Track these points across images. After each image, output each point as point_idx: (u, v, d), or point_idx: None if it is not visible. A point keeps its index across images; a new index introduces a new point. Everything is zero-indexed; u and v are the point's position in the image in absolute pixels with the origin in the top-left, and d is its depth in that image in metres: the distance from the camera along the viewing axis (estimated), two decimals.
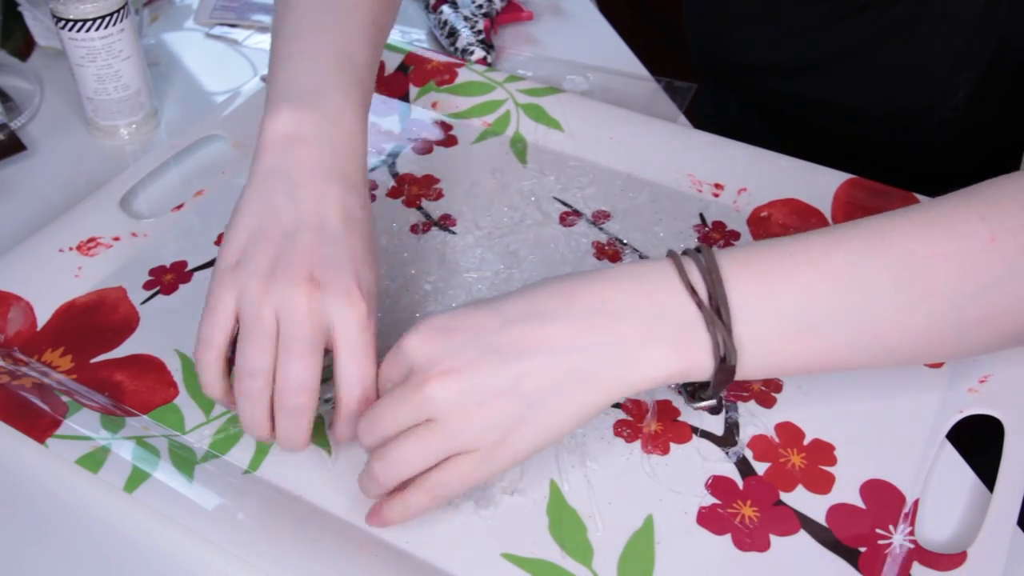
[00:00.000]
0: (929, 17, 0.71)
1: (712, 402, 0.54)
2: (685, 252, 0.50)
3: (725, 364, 0.48)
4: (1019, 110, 0.59)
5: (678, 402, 0.59)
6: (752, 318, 0.48)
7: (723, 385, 0.49)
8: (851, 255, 0.49)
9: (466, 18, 0.92)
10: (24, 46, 0.93)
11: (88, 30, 0.76)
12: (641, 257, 0.68)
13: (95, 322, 0.64)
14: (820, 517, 0.53)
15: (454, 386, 0.47)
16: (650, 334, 0.47)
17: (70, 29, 0.76)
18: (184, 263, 0.68)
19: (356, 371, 0.51)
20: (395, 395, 0.48)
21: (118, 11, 0.76)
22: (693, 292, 0.48)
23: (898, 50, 0.74)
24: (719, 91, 0.95)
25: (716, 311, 0.47)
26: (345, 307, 0.51)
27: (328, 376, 0.53)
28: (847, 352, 0.50)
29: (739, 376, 0.49)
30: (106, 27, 0.76)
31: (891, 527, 0.52)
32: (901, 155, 0.75)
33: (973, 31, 0.71)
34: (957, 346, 0.51)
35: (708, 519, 0.53)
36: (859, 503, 0.54)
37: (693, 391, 0.54)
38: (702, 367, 0.48)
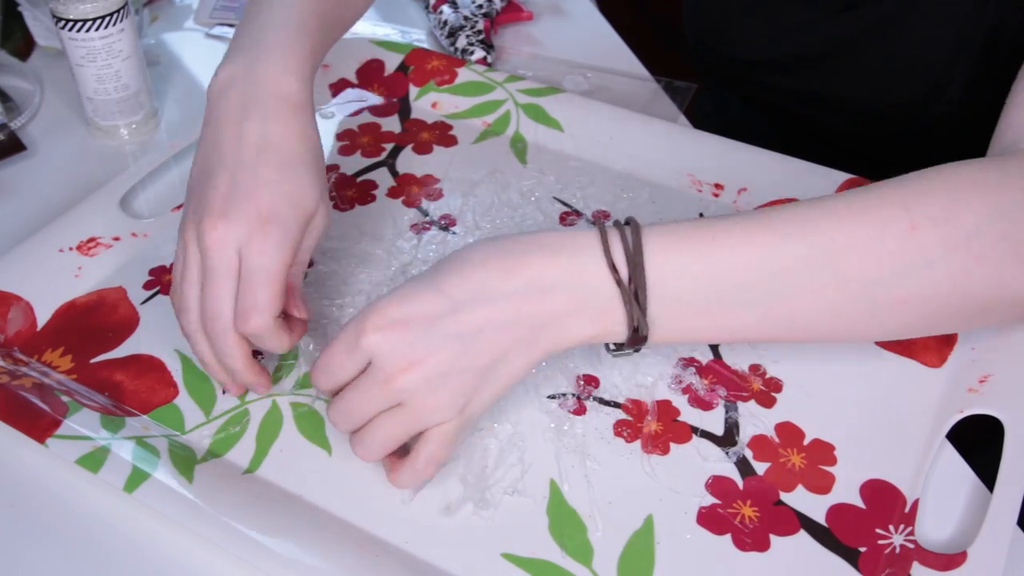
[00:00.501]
0: (920, 10, 0.72)
1: (630, 352, 0.56)
2: (615, 223, 0.53)
3: (638, 333, 0.52)
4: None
5: (678, 402, 0.59)
6: (666, 295, 0.51)
7: (636, 347, 0.53)
8: (772, 238, 0.51)
9: (466, 18, 0.92)
10: (24, 46, 0.93)
11: (88, 30, 0.76)
12: None
13: (95, 322, 0.64)
14: (820, 517, 0.53)
15: (420, 374, 0.50)
16: (577, 307, 0.51)
17: (70, 29, 0.76)
18: None
19: (244, 289, 0.54)
20: (363, 387, 0.51)
21: (118, 11, 0.76)
22: (615, 270, 0.51)
23: (891, 44, 0.74)
24: (718, 90, 0.95)
25: (634, 292, 0.51)
26: (243, 234, 0.54)
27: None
28: (756, 328, 0.53)
29: (651, 344, 0.53)
30: (106, 27, 0.76)
31: (891, 527, 0.52)
32: (900, 150, 0.75)
33: (964, 23, 0.71)
34: (871, 328, 0.54)
35: (708, 519, 0.53)
36: (859, 503, 0.54)
37: (615, 347, 0.56)
38: (618, 332, 0.52)
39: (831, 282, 0.51)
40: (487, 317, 0.51)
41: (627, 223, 0.53)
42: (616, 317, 0.52)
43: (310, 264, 0.68)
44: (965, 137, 0.77)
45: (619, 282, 0.51)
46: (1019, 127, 0.58)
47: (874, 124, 0.80)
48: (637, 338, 0.52)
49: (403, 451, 0.54)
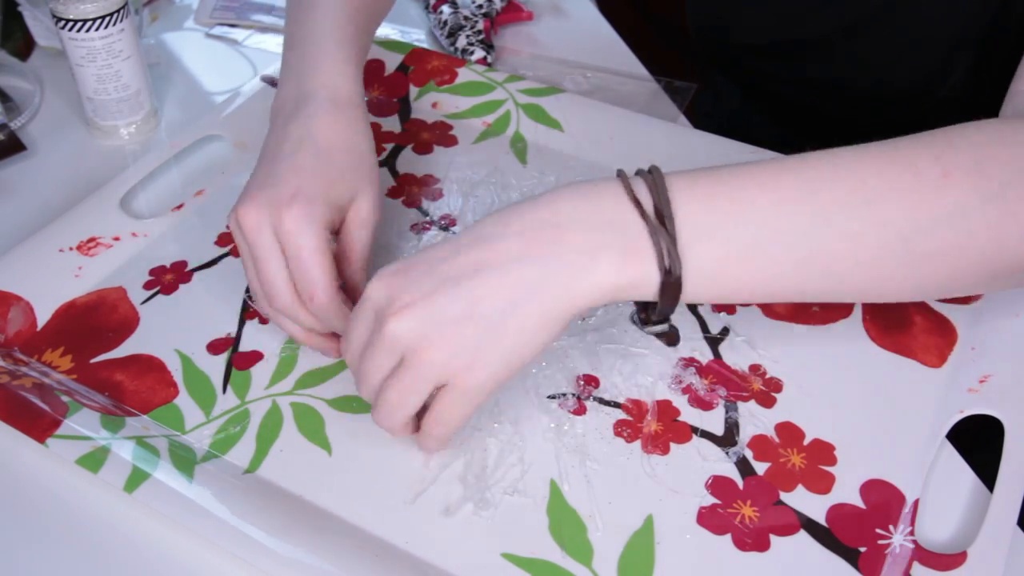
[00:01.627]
0: None
1: (665, 326, 0.53)
2: (637, 172, 0.50)
3: (671, 277, 0.47)
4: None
5: (678, 402, 0.59)
6: (697, 233, 0.48)
7: (670, 303, 0.49)
8: (802, 181, 0.49)
9: (466, 18, 0.92)
10: (24, 46, 0.93)
11: (88, 30, 0.76)
12: None
13: (95, 322, 0.64)
14: (820, 517, 0.53)
15: (413, 318, 0.48)
16: (595, 243, 0.47)
17: (70, 29, 0.76)
18: (184, 263, 0.68)
19: (296, 270, 0.56)
20: (369, 343, 0.50)
21: (118, 11, 0.76)
22: (638, 204, 0.48)
23: (894, 28, 0.74)
24: (719, 83, 0.95)
25: (660, 222, 0.47)
26: (281, 219, 0.55)
27: None
28: (795, 277, 0.49)
29: (686, 296, 0.48)
30: (106, 27, 0.76)
31: (891, 527, 0.52)
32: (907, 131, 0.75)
33: (968, 10, 0.71)
34: (906, 280, 0.51)
35: (708, 519, 0.53)
36: (859, 503, 0.54)
37: (645, 318, 0.53)
38: (648, 279, 0.48)
39: (869, 228, 0.48)
40: (489, 257, 0.47)
41: (648, 171, 0.50)
42: (643, 255, 0.47)
43: None
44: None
45: (644, 215, 0.47)
46: None
47: (876, 110, 0.80)
48: (670, 284, 0.47)
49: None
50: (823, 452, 0.56)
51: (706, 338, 0.63)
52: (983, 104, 0.72)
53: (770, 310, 0.65)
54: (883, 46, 0.76)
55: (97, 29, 0.76)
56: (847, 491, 0.54)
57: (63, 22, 0.76)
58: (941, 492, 0.54)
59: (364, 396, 0.52)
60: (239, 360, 0.62)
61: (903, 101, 0.78)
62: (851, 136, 0.78)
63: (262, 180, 0.58)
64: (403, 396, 0.50)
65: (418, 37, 0.95)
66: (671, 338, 0.58)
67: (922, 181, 0.49)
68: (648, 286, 0.48)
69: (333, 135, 0.60)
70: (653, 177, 0.49)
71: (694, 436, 0.57)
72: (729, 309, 0.65)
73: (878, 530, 0.52)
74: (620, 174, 0.50)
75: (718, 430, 0.57)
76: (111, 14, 0.76)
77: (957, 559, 0.49)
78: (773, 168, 0.50)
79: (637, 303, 0.53)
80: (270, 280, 0.56)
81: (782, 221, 0.48)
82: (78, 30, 0.76)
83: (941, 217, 0.49)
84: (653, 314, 0.51)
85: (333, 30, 0.64)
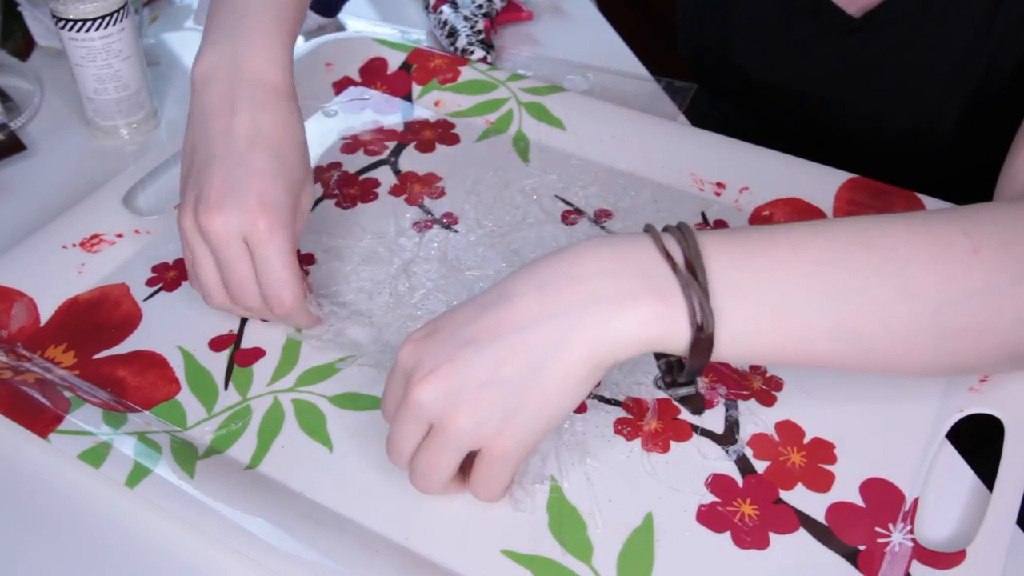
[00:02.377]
0: (918, 43, 0.72)
1: (691, 389, 0.51)
2: (665, 228, 0.49)
3: (702, 333, 0.45)
4: (1007, 136, 0.60)
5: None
6: (729, 289, 0.46)
7: (701, 361, 0.47)
8: (834, 243, 0.48)
9: (466, 18, 0.92)
10: (24, 46, 0.93)
11: (88, 30, 0.76)
12: None
13: (98, 318, 0.64)
14: (820, 515, 0.53)
15: (438, 386, 0.46)
16: (622, 292, 0.45)
17: (70, 29, 0.76)
18: None
19: (266, 275, 0.57)
20: (398, 413, 0.49)
21: (118, 11, 0.77)
22: (668, 256, 0.46)
23: (888, 75, 0.74)
24: (718, 102, 0.95)
25: (692, 276, 0.45)
26: (246, 223, 0.56)
27: None
28: (826, 342, 0.48)
29: (717, 354, 0.46)
30: (106, 27, 0.76)
31: (890, 526, 0.52)
32: (897, 167, 0.76)
33: (961, 58, 0.71)
34: (933, 355, 0.49)
35: (708, 517, 0.53)
36: (859, 502, 0.54)
37: (671, 381, 0.52)
38: (678, 333, 0.46)
39: (901, 297, 0.47)
40: (508, 318, 0.46)
41: (677, 227, 0.48)
42: (674, 308, 0.45)
43: (312, 261, 0.68)
44: (953, 171, 0.78)
45: (675, 268, 0.46)
46: None
47: (868, 147, 0.80)
48: (701, 340, 0.45)
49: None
50: (823, 451, 0.56)
51: None
52: (970, 155, 0.73)
53: None
54: (874, 93, 0.76)
55: (97, 29, 0.76)
56: (847, 490, 0.54)
57: (63, 22, 0.76)
58: (940, 491, 0.54)
59: (394, 463, 0.51)
60: (241, 357, 0.62)
61: (892, 144, 0.78)
62: (846, 149, 0.78)
63: (220, 185, 0.57)
64: (433, 463, 0.49)
65: (418, 37, 0.95)
66: (697, 404, 0.56)
67: (952, 255, 0.48)
68: (678, 341, 0.46)
69: (282, 131, 0.60)
70: (683, 232, 0.47)
71: (694, 434, 0.57)
72: None
73: (877, 529, 0.52)
74: (648, 228, 0.48)
75: (718, 428, 0.58)
76: (111, 14, 0.76)
77: (956, 558, 0.49)
78: (804, 230, 0.49)
79: (661, 364, 0.52)
80: (240, 283, 0.58)
81: (815, 282, 0.47)
82: (78, 30, 0.76)
83: (971, 292, 0.48)
84: (680, 375, 0.50)
85: (270, 5, 0.63)
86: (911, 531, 0.52)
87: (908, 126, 0.76)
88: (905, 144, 0.78)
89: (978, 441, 0.57)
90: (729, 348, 0.46)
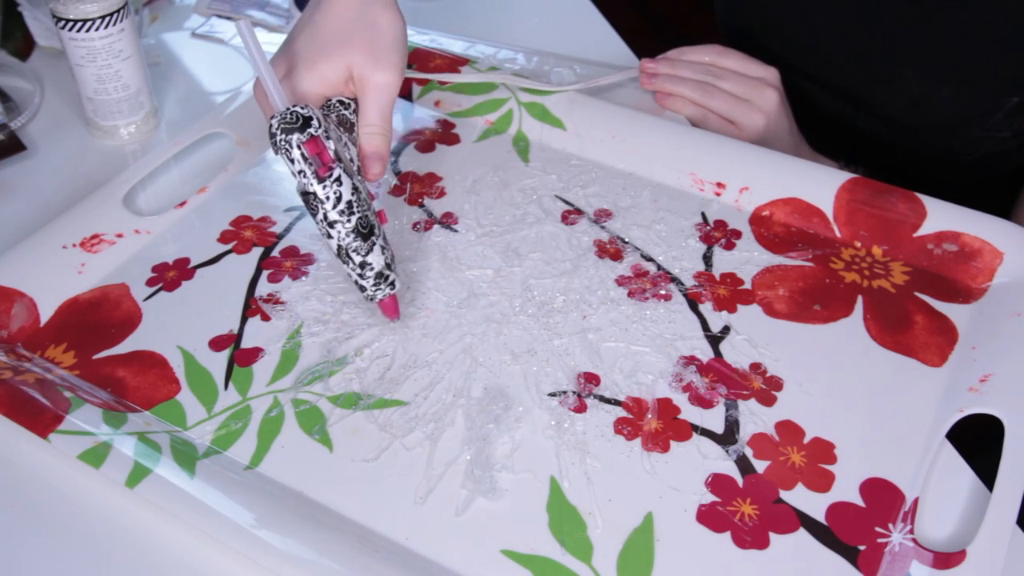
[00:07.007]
0: (983, 33, 0.70)
1: None
2: None
3: None
4: None
5: (679, 400, 0.59)
6: None
7: None
8: None
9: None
10: (24, 46, 0.93)
11: (88, 30, 0.76)
12: (643, 256, 0.69)
13: (98, 318, 0.65)
14: (820, 515, 0.53)
15: None
16: None
17: (70, 29, 0.76)
18: (187, 260, 0.69)
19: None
20: None
21: (118, 11, 0.77)
22: None
23: (946, 58, 0.73)
24: None
25: None
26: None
27: None
28: None
29: None
30: (106, 27, 0.76)
31: (890, 526, 0.52)
32: (918, 162, 0.75)
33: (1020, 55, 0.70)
34: None
35: (708, 517, 0.53)
36: (859, 501, 0.54)
37: None
38: None
39: None
40: None
41: None
42: None
43: (312, 261, 0.68)
44: (992, 163, 0.76)
45: None
46: None
47: (902, 133, 0.79)
48: None
49: None
50: (823, 450, 0.56)
51: (707, 336, 0.63)
52: (1014, 149, 0.71)
53: (771, 309, 0.65)
54: (933, 72, 0.74)
55: (97, 29, 0.76)
56: (847, 489, 0.54)
57: (63, 22, 0.76)
58: (941, 491, 0.54)
59: None
60: (241, 357, 0.62)
61: (933, 133, 0.77)
62: (858, 145, 0.77)
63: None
64: None
65: (418, 38, 0.95)
66: None
67: None
68: None
69: (333, 21, 0.63)
70: None
71: (694, 434, 0.57)
72: (730, 308, 0.65)
73: (878, 528, 0.52)
74: None
75: (718, 428, 0.58)
76: (111, 14, 0.76)
77: (956, 558, 0.49)
78: None
79: None
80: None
81: None
82: (78, 30, 0.76)
83: None
84: None
85: None
86: (911, 531, 0.52)
87: (957, 115, 0.75)
88: (946, 136, 0.76)
89: (978, 441, 0.57)
90: None
